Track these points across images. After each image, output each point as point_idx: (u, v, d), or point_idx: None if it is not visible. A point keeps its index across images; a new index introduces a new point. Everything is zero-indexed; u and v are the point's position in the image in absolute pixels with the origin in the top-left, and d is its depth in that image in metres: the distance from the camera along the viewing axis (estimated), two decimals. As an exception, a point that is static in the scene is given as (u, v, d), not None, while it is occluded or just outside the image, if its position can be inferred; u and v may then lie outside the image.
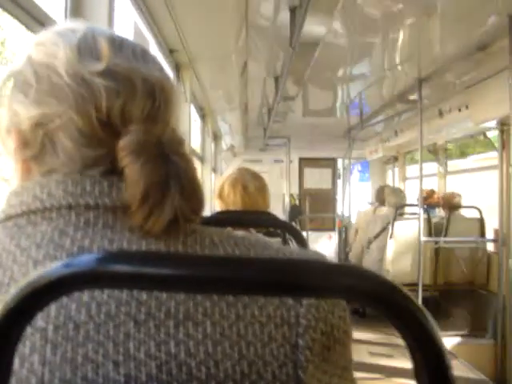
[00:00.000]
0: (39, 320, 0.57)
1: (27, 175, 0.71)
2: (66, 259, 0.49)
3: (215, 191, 2.54)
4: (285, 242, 2.08)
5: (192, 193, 0.65)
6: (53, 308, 0.58)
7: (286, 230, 1.49)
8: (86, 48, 0.68)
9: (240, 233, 0.73)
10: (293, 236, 1.43)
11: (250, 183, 2.41)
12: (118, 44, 0.70)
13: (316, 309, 0.64)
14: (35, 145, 0.68)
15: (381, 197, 7.31)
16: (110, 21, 1.55)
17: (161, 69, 0.74)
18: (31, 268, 0.61)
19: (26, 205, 0.66)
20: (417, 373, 0.46)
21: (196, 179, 0.66)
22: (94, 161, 0.67)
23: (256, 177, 2.48)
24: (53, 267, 0.47)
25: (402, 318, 0.45)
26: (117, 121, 0.66)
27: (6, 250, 0.63)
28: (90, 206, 0.65)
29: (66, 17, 1.49)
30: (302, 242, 1.40)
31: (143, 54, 0.72)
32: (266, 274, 0.47)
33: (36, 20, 1.36)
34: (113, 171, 0.65)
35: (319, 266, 0.48)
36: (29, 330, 0.57)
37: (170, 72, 3.64)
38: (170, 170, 0.63)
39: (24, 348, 0.57)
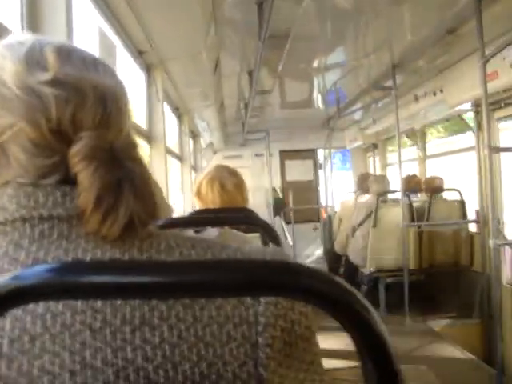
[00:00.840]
0: None
1: None
2: (12, 273, 0.48)
3: (193, 190, 2.54)
4: (263, 237, 2.09)
5: (146, 196, 0.65)
6: (7, 321, 0.58)
7: (261, 227, 1.49)
8: (33, 59, 0.67)
9: (213, 233, 0.73)
10: (266, 233, 1.43)
11: (227, 180, 2.41)
12: (66, 53, 0.70)
13: (275, 306, 0.64)
14: None
15: (363, 185, 7.33)
16: (68, 27, 1.53)
17: (113, 75, 0.73)
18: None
19: None
20: (365, 372, 0.46)
21: (150, 183, 0.66)
22: (48, 170, 0.66)
23: (233, 174, 2.48)
24: (1, 280, 0.47)
25: (347, 317, 0.45)
26: (68, 129, 0.65)
27: None
28: (43, 217, 0.64)
29: (22, 25, 1.47)
30: (275, 239, 1.41)
31: (94, 63, 0.72)
32: (208, 276, 0.47)
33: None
34: (68, 179, 0.65)
35: (262, 264, 0.48)
36: None
37: (140, 73, 3.63)
38: (123, 174, 0.63)
39: None
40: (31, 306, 0.58)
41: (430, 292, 5.69)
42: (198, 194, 2.45)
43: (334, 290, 0.45)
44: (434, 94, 5.68)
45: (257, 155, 9.85)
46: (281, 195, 9.85)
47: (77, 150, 0.63)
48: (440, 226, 5.83)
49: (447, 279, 5.66)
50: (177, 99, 5.22)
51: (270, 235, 1.42)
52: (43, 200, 0.64)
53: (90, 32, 2.54)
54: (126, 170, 0.64)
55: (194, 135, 7.85)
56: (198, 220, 1.68)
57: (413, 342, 4.79)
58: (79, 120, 0.66)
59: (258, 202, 8.47)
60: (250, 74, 5.14)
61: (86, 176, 0.62)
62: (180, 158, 5.91)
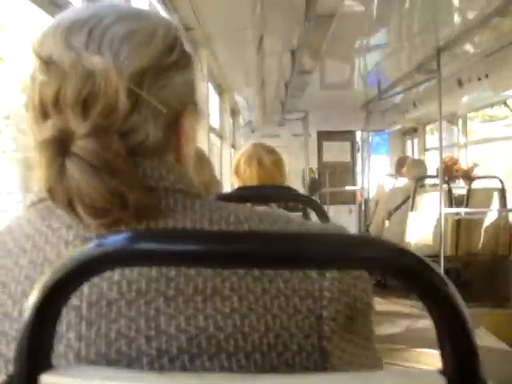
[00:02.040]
0: (73, 298, 0.59)
1: None
2: (97, 240, 0.50)
3: (232, 168, 2.55)
4: (306, 216, 2.09)
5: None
6: (86, 287, 0.60)
7: (308, 204, 1.49)
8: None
9: (262, 208, 0.74)
10: (314, 210, 1.44)
11: (265, 158, 2.41)
12: (75, 28, 0.67)
13: (339, 282, 0.66)
14: None
15: (400, 168, 7.25)
16: None
17: (120, 45, 0.67)
18: (63, 248, 0.63)
19: None
20: (441, 343, 0.47)
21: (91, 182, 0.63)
22: None
23: (271, 151, 2.48)
24: (84, 249, 0.49)
25: (427, 290, 0.46)
26: (50, 110, 0.67)
27: (38, 231, 0.66)
28: None
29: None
30: (324, 216, 1.41)
31: (102, 33, 0.67)
32: (288, 248, 0.48)
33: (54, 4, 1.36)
34: None
35: (341, 238, 0.49)
36: (64, 308, 0.59)
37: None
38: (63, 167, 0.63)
39: (61, 325, 0.59)
40: (108, 273, 0.60)
41: (466, 280, 5.63)
42: (237, 171, 2.46)
43: (416, 265, 0.46)
44: (479, 79, 5.57)
45: (294, 135, 9.80)
46: (317, 176, 9.80)
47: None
48: (479, 213, 5.74)
49: (484, 268, 5.59)
50: (219, 76, 5.23)
51: (317, 211, 1.42)
52: None
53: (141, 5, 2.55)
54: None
55: (234, 113, 7.85)
56: (242, 197, 1.69)
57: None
58: (62, 101, 0.64)
59: (295, 182, 8.46)
60: (293, 53, 5.13)
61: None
62: (220, 135, 5.92)
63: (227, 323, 0.60)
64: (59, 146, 0.62)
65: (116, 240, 0.49)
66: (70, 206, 0.62)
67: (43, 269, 0.62)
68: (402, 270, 0.47)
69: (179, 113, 0.71)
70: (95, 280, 0.60)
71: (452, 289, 0.46)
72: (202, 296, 0.61)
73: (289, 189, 2.06)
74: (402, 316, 5.02)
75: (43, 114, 0.65)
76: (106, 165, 0.61)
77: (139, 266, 0.60)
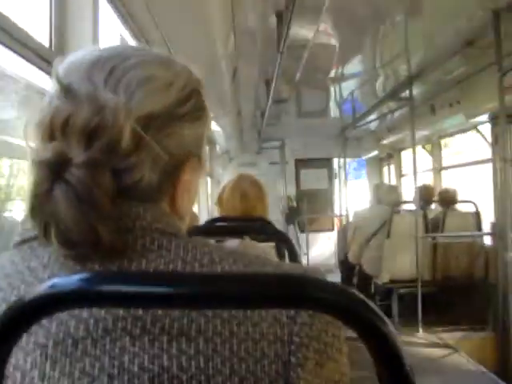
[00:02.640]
0: (40, 337, 0.60)
1: None
2: (51, 280, 0.51)
3: (215, 198, 2.56)
4: (279, 248, 2.11)
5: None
6: (53, 325, 0.61)
7: (277, 238, 1.51)
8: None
9: (234, 243, 0.75)
10: (283, 244, 1.45)
11: (248, 190, 2.43)
12: (100, 64, 0.70)
13: (309, 327, 0.66)
14: None
15: (377, 195, 7.32)
16: (94, 38, 1.57)
17: (137, 87, 0.69)
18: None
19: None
20: (380, 378, 0.48)
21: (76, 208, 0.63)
22: None
23: (254, 183, 2.50)
24: (38, 288, 0.50)
25: (365, 329, 0.48)
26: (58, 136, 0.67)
27: (16, 271, 0.66)
28: None
29: (50, 37, 1.51)
30: (292, 250, 1.42)
31: (124, 73, 0.70)
32: (235, 288, 0.49)
33: (31, 50, 1.38)
34: None
35: (286, 278, 0.51)
36: (31, 346, 0.60)
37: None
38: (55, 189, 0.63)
39: (25, 364, 0.59)
40: (76, 310, 0.61)
41: (443, 304, 5.65)
42: (220, 202, 2.48)
43: (351, 303, 0.48)
44: (451, 105, 5.67)
45: (272, 163, 9.86)
46: (295, 204, 9.84)
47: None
48: (455, 237, 5.79)
49: (461, 291, 5.62)
50: (194, 106, 5.26)
51: (286, 246, 1.43)
52: None
53: (112, 41, 2.57)
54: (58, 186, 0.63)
55: (210, 142, 7.88)
56: (216, 230, 1.70)
57: (425, 353, 4.78)
58: (70, 127, 0.66)
59: (273, 210, 8.44)
60: (268, 82, 5.18)
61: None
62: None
63: (191, 364, 0.60)
64: (53, 169, 0.62)
65: (68, 281, 0.50)
66: (44, 231, 0.63)
67: None
68: (342, 310, 0.48)
69: (181, 162, 0.72)
70: (64, 317, 0.61)
71: (390, 327, 0.47)
72: (167, 336, 0.61)
73: (261, 220, 2.08)
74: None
75: (50, 135, 0.66)
76: (91, 199, 0.61)
77: (90, 308, 0.61)
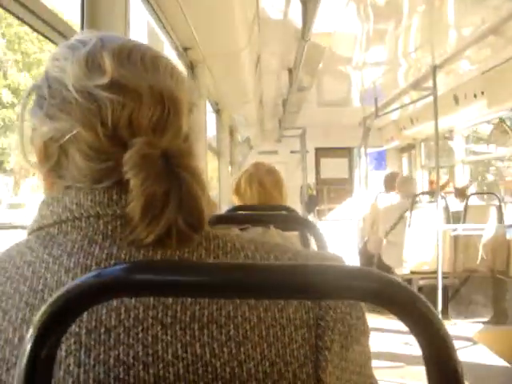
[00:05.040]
0: (73, 325, 0.60)
1: (51, 189, 0.74)
2: (96, 270, 0.52)
3: (232, 187, 2.56)
4: (303, 237, 2.11)
5: (192, 208, 0.65)
6: (85, 313, 0.60)
7: (304, 227, 1.50)
8: (93, 62, 0.69)
9: (258, 231, 0.75)
10: (311, 233, 1.45)
11: (265, 178, 2.43)
12: (126, 52, 0.71)
13: (334, 310, 0.67)
14: (52, 157, 0.71)
15: (389, 185, 7.29)
16: (125, 24, 1.57)
17: (172, 74, 0.74)
18: (63, 275, 0.64)
19: (56, 215, 0.69)
20: (428, 369, 0.48)
21: (198, 194, 0.66)
22: (103, 174, 0.69)
23: (272, 172, 2.50)
24: (82, 279, 0.50)
25: (413, 319, 0.48)
26: (124, 132, 0.68)
27: (39, 258, 0.66)
28: (116, 214, 0.67)
29: (82, 22, 1.52)
30: (320, 239, 1.42)
31: (153, 61, 0.73)
32: (282, 279, 0.49)
33: (58, 32, 1.39)
34: (121, 184, 0.67)
35: (333, 270, 0.51)
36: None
37: (183, 70, 3.66)
38: (172, 184, 0.64)
39: (60, 351, 0.60)
40: None
41: (464, 296, 5.62)
42: (237, 191, 2.48)
43: (403, 296, 0.48)
44: (475, 96, 5.61)
45: (292, 152, 9.84)
46: (315, 192, 9.81)
47: (128, 158, 0.65)
48: (476, 230, 5.74)
49: (482, 284, 5.59)
50: (216, 94, 5.26)
51: (314, 234, 1.43)
52: (117, 198, 0.68)
53: (139, 28, 2.58)
54: (175, 180, 0.65)
55: (231, 130, 7.88)
56: (243, 218, 1.70)
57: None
58: (135, 124, 0.68)
59: (292, 198, 8.45)
60: (290, 71, 5.16)
61: (134, 185, 0.64)
62: (218, 152, 5.94)
63: (223, 351, 0.61)
64: (165, 162, 0.65)
65: (113, 270, 0.50)
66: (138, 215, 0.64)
67: (43, 295, 0.63)
68: (391, 301, 0.48)
69: None
70: (94, 307, 0.61)
71: (438, 318, 0.48)
72: (198, 324, 0.61)
73: (288, 210, 2.08)
74: (398, 332, 5.02)
75: (114, 134, 0.68)
76: (202, 188, 0.67)
77: (135, 297, 0.61)
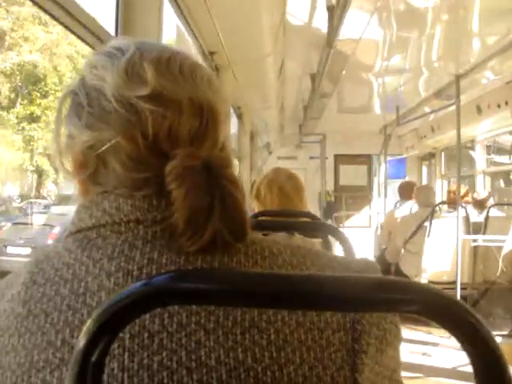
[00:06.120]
0: None
1: (86, 194, 0.74)
2: (144, 279, 0.53)
3: (252, 192, 2.56)
4: (326, 243, 2.10)
5: (236, 218, 0.66)
6: None
7: (332, 234, 1.50)
8: (133, 71, 0.70)
9: (282, 237, 0.76)
10: (339, 240, 1.45)
11: (285, 184, 2.43)
12: (164, 62, 0.72)
13: (369, 314, 0.68)
14: (90, 166, 0.72)
15: (404, 193, 7.26)
16: (159, 28, 1.59)
17: (210, 83, 0.74)
18: (105, 279, 0.65)
19: (95, 218, 0.70)
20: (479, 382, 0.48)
21: (241, 203, 0.67)
22: (142, 183, 0.69)
23: (292, 177, 2.49)
24: (133, 287, 0.51)
25: (462, 331, 0.48)
26: (164, 144, 0.68)
27: (78, 261, 0.67)
28: (156, 219, 0.68)
29: (116, 26, 1.54)
30: (348, 246, 1.42)
31: (192, 70, 0.73)
32: (328, 291, 0.50)
33: (94, 35, 1.41)
34: (161, 193, 0.68)
35: (378, 282, 0.51)
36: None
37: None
38: (215, 195, 0.65)
39: None
40: None
41: (483, 308, 5.57)
42: (257, 196, 2.48)
43: (454, 310, 0.48)
44: (499, 106, 5.57)
45: (311, 157, 9.83)
46: (333, 199, 9.79)
47: (170, 169, 0.65)
48: (498, 241, 5.68)
49: (502, 296, 5.53)
50: (239, 99, 5.28)
51: (342, 242, 1.43)
52: (156, 203, 0.68)
53: (168, 31, 2.60)
54: (218, 191, 0.65)
55: (252, 135, 7.89)
56: (269, 225, 1.70)
57: (462, 357, 4.71)
58: (175, 134, 0.68)
59: (311, 204, 8.43)
60: (313, 77, 5.16)
61: (177, 197, 0.64)
62: (239, 157, 5.95)
63: (264, 355, 0.62)
64: (208, 173, 0.65)
65: (160, 280, 0.51)
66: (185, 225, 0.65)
67: (85, 299, 0.64)
68: (439, 314, 0.49)
69: None
70: None
71: (487, 330, 0.48)
72: (240, 328, 0.62)
73: (310, 215, 2.08)
74: (419, 343, 4.99)
75: (154, 145, 0.68)
76: (243, 196, 0.68)
77: (184, 305, 0.62)
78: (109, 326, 0.50)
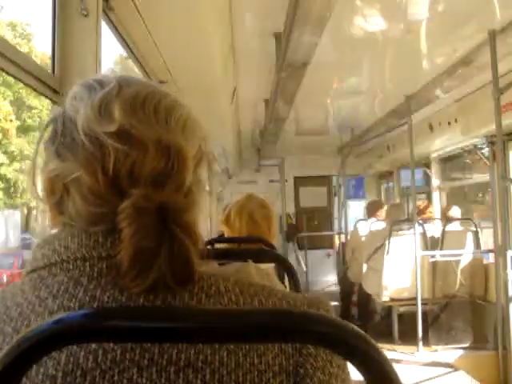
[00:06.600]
0: (50, 368, 0.60)
1: (54, 221, 0.75)
2: (57, 316, 0.52)
3: (222, 217, 2.56)
4: (278, 270, 2.11)
5: (181, 264, 0.65)
6: (63, 356, 0.61)
7: (281, 265, 1.52)
8: (106, 107, 0.70)
9: (236, 265, 0.75)
10: (282, 267, 1.46)
11: (256, 211, 2.43)
12: (140, 100, 0.71)
13: (315, 358, 0.66)
14: (57, 193, 0.72)
15: (372, 212, 7.35)
16: (97, 62, 1.59)
17: (184, 128, 0.73)
18: (47, 318, 0.64)
19: (47, 257, 0.70)
20: None
21: (189, 251, 0.66)
22: (99, 218, 0.69)
23: (263, 206, 2.49)
24: (44, 324, 0.51)
25: (362, 362, 0.49)
26: (124, 182, 0.68)
27: (27, 301, 0.67)
28: (102, 256, 0.68)
29: (53, 61, 1.53)
30: (290, 273, 1.43)
31: (167, 111, 0.72)
32: (234, 324, 0.51)
33: (31, 75, 1.40)
34: (114, 230, 0.67)
35: (290, 313, 0.52)
36: (40, 377, 0.60)
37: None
38: (164, 239, 0.64)
39: None
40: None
41: (444, 322, 5.63)
42: (227, 221, 2.48)
43: (349, 338, 0.49)
44: (449, 124, 5.71)
45: (271, 181, 9.88)
46: (294, 221, 9.84)
47: (123, 208, 0.65)
48: (454, 255, 5.78)
49: (461, 309, 5.61)
50: (194, 126, 5.29)
51: (287, 271, 1.44)
52: (103, 240, 0.68)
53: (112, 61, 2.60)
54: (167, 236, 0.64)
55: (209, 160, 7.88)
56: (217, 253, 1.71)
57: (426, 372, 4.76)
58: (137, 174, 0.68)
59: (272, 227, 8.46)
60: (267, 102, 5.21)
61: (125, 236, 0.64)
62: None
63: None
64: (159, 217, 0.64)
65: (73, 317, 0.51)
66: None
67: None
68: (340, 345, 0.50)
69: None
70: (73, 348, 0.61)
71: (387, 360, 0.49)
72: (174, 367, 0.61)
73: (261, 241, 2.09)
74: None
75: (112, 181, 0.68)
76: (194, 242, 0.67)
77: (94, 343, 0.61)
78: (15, 366, 0.50)
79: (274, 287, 0.75)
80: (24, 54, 1.42)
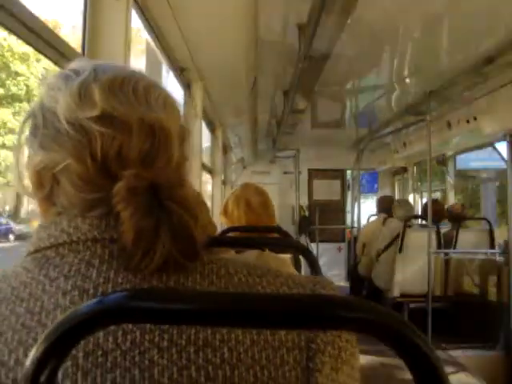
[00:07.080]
0: None
1: (46, 214, 0.75)
2: (98, 297, 0.53)
3: (221, 209, 2.57)
4: (295, 259, 2.11)
5: (185, 238, 0.66)
6: None
7: (299, 250, 1.51)
8: (85, 93, 0.71)
9: (253, 254, 0.76)
10: (305, 257, 1.46)
11: (252, 199, 2.43)
12: (118, 84, 0.72)
13: (324, 333, 0.68)
14: (46, 185, 0.72)
15: (385, 207, 7.31)
16: (126, 46, 1.59)
17: (165, 105, 0.75)
18: (60, 298, 0.64)
19: (54, 238, 0.70)
20: None
21: (188, 224, 0.67)
22: (93, 204, 0.70)
23: (260, 193, 2.50)
24: (85, 305, 0.51)
25: (409, 353, 0.49)
26: (113, 165, 0.69)
27: (35, 280, 0.67)
28: (113, 238, 0.68)
29: (83, 42, 1.54)
30: (313, 263, 1.43)
31: (146, 91, 0.74)
32: (277, 309, 0.51)
33: (61, 54, 1.41)
34: (110, 213, 0.68)
35: (325, 299, 0.52)
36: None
37: (180, 90, 3.69)
38: (161, 217, 0.65)
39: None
40: None
41: (454, 321, 5.61)
42: (225, 212, 2.48)
43: (394, 324, 0.49)
44: (468, 122, 5.66)
45: (285, 172, 9.87)
46: (307, 213, 9.82)
47: (116, 191, 0.66)
48: (467, 254, 5.75)
49: (472, 309, 5.58)
50: (212, 114, 5.29)
51: (308, 259, 1.44)
52: (114, 223, 0.69)
53: (139, 48, 2.61)
54: (165, 212, 0.66)
55: (226, 149, 7.90)
56: (236, 241, 1.71)
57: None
58: (125, 155, 0.69)
59: (284, 219, 8.49)
60: (286, 93, 5.19)
61: (124, 218, 0.65)
62: (212, 171, 5.96)
63: (218, 374, 0.62)
64: (154, 194, 0.66)
65: (115, 297, 0.51)
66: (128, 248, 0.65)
67: (40, 318, 0.63)
68: (385, 331, 0.49)
69: None
70: None
71: (433, 351, 0.49)
72: (194, 347, 0.62)
73: (279, 231, 2.09)
74: (391, 356, 4.98)
75: (103, 166, 0.69)
76: (194, 216, 0.68)
77: (137, 323, 0.62)
78: (59, 345, 0.50)
79: (279, 270, 0.77)
80: (56, 35, 1.42)
